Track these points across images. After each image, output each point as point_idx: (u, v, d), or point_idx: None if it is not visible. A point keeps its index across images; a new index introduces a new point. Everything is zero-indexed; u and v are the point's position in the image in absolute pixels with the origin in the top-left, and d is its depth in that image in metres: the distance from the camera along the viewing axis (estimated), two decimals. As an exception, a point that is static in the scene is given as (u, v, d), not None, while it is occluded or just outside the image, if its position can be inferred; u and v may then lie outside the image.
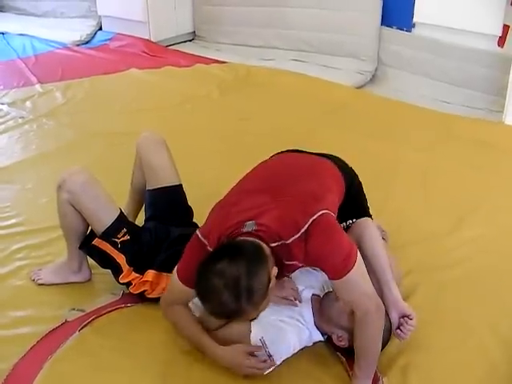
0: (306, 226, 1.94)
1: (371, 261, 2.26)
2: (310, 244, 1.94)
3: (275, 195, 2.09)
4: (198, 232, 2.09)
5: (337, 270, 1.95)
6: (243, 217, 2.00)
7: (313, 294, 2.28)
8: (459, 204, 3.24)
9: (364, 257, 2.14)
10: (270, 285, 1.87)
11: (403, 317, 2.21)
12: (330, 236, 1.96)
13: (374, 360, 2.08)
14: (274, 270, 1.90)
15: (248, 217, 1.99)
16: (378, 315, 2.02)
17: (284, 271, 2.01)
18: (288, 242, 1.94)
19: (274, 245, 1.93)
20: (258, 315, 2.02)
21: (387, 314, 2.18)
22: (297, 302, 2.21)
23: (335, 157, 2.45)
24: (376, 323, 2.03)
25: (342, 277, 1.94)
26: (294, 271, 2.15)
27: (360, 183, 2.48)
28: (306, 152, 2.48)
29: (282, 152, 2.53)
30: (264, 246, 1.92)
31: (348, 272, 1.93)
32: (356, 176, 2.47)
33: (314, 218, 1.96)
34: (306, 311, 2.22)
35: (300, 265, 2.01)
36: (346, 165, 2.45)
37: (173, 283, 2.14)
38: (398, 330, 2.20)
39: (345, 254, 1.95)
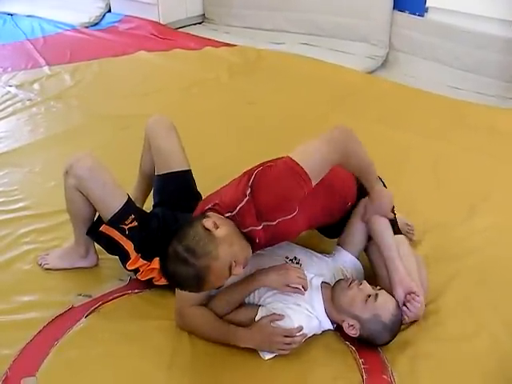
0: (249, 188, 2.03)
1: (378, 240, 2.32)
2: (257, 200, 2.02)
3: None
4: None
5: (305, 187, 2.01)
6: (211, 199, 2.15)
7: (322, 282, 2.25)
8: (471, 192, 3.20)
9: (371, 235, 2.33)
10: (217, 232, 1.94)
11: (410, 293, 2.21)
12: (267, 179, 2.04)
13: (373, 166, 2.19)
14: (211, 219, 1.97)
15: (215, 199, 2.13)
16: (345, 135, 2.10)
17: (253, 241, 2.08)
18: (239, 207, 2.03)
19: (227, 215, 2.04)
20: (235, 263, 1.97)
21: (401, 309, 2.18)
22: (303, 290, 2.17)
23: None
24: (356, 147, 2.11)
25: (311, 183, 2.00)
26: (275, 236, 2.17)
27: None
28: None
29: None
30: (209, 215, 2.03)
31: (308, 176, 1.99)
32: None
33: (253, 175, 2.06)
34: (316, 299, 2.20)
35: (258, 228, 2.05)
36: None
37: None
38: (405, 307, 2.19)
39: (290, 176, 2.00)
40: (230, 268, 1.96)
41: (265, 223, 2.05)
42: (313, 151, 2.05)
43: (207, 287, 2.01)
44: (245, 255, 2.02)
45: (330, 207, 2.35)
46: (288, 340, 2.10)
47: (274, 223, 2.06)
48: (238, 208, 2.02)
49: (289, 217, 2.08)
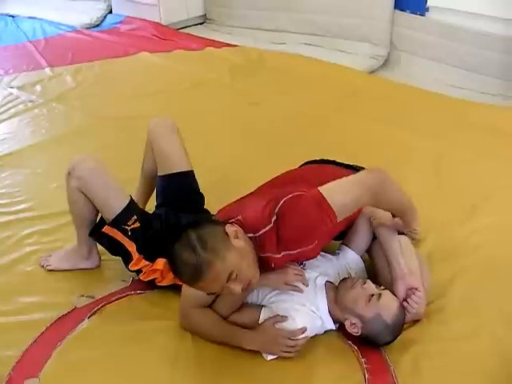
0: (275, 216, 2.02)
1: (382, 238, 2.34)
2: (281, 230, 2.01)
3: (263, 195, 2.22)
4: None
5: (328, 223, 2.00)
6: (232, 214, 2.12)
7: (327, 281, 2.26)
8: (472, 192, 3.19)
9: (376, 235, 2.34)
10: (234, 241, 1.93)
11: (411, 289, 2.21)
12: (293, 211, 2.02)
13: (408, 203, 2.20)
14: (234, 228, 1.97)
15: (236, 214, 2.11)
16: (377, 179, 2.07)
17: (267, 265, 2.08)
18: (259, 233, 2.02)
19: (248, 235, 2.02)
20: (236, 276, 1.93)
21: (403, 306, 2.18)
22: (303, 287, 2.18)
23: (363, 168, 2.47)
24: (389, 188, 2.10)
25: (335, 219, 2.00)
26: (292, 261, 2.18)
27: None
28: (337, 163, 2.54)
29: (313, 161, 2.62)
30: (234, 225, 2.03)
31: (334, 212, 1.98)
32: None
33: (281, 203, 2.04)
34: (320, 299, 2.20)
35: (277, 256, 2.05)
36: None
37: (187, 288, 2.12)
38: (405, 302, 2.20)
39: (315, 211, 1.98)
40: (229, 277, 1.92)
41: (284, 252, 2.05)
42: (344, 190, 2.05)
43: (201, 285, 1.95)
44: (249, 277, 1.98)
45: (350, 221, 2.38)
46: (292, 343, 2.10)
47: (294, 252, 2.07)
48: (260, 232, 2.02)
49: (309, 247, 2.08)
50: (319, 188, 2.04)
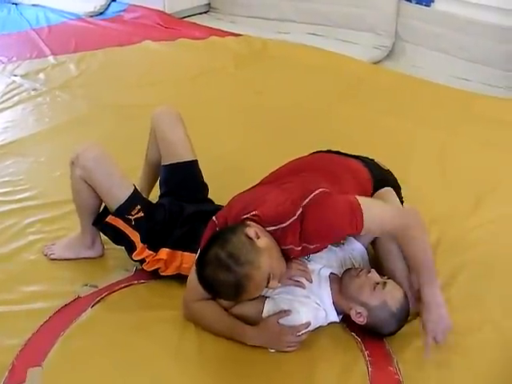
0: (301, 208, 2.00)
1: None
2: (307, 222, 2.00)
3: (279, 184, 2.19)
4: (213, 217, 2.17)
5: (354, 231, 2.01)
6: (248, 205, 2.09)
7: (331, 273, 2.25)
8: (477, 184, 3.19)
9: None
10: (258, 242, 1.93)
11: None
12: (324, 207, 2.01)
13: (432, 263, 2.12)
14: (253, 229, 1.95)
15: (253, 206, 2.07)
16: (418, 227, 2.08)
17: (288, 258, 2.08)
18: (285, 224, 2.01)
19: (269, 229, 2.02)
20: (272, 276, 1.96)
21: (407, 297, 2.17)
22: (305, 282, 2.17)
23: (371, 160, 2.50)
24: (420, 233, 2.09)
25: (360, 230, 2.00)
26: (306, 255, 2.19)
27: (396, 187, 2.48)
28: (343, 154, 2.51)
29: (320, 151, 2.57)
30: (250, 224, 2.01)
31: (362, 223, 1.98)
32: (392, 181, 2.48)
33: (310, 197, 2.02)
34: (324, 290, 2.19)
35: (297, 249, 2.04)
36: (381, 168, 2.48)
37: (193, 278, 2.10)
38: None
39: (347, 214, 1.99)
40: (269, 280, 1.95)
41: (304, 245, 2.05)
42: (378, 206, 2.10)
43: (244, 297, 2.00)
44: (280, 270, 2.01)
45: None
46: (295, 339, 2.11)
47: (312, 247, 2.07)
48: (283, 225, 2.01)
49: (325, 245, 2.12)
50: (357, 197, 2.05)
